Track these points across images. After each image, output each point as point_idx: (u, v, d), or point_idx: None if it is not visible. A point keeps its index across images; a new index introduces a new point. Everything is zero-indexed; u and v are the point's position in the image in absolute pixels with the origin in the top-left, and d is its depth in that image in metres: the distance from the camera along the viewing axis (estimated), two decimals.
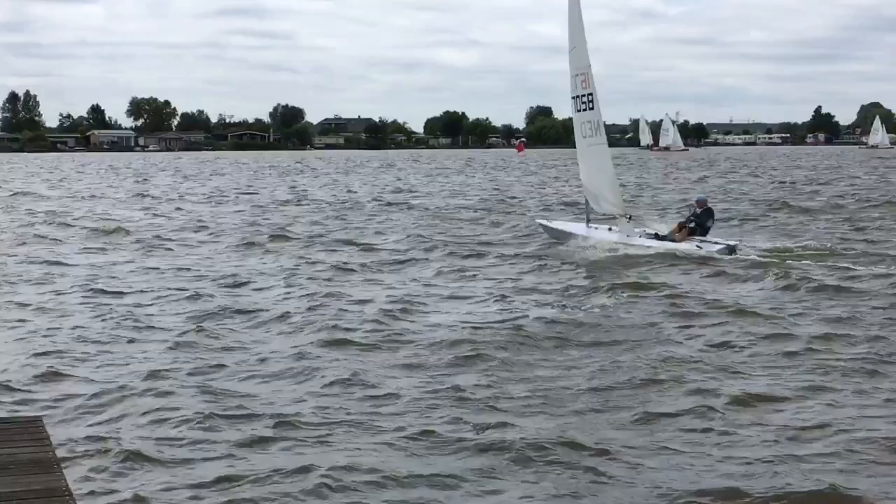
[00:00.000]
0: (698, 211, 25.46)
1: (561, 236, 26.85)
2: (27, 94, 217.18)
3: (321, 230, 32.16)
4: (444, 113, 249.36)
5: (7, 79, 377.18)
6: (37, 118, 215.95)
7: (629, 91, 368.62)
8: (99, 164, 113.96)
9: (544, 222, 29.36)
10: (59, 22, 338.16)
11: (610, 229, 25.66)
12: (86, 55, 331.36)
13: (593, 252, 24.29)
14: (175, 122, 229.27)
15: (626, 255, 23.46)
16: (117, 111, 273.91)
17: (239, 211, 41.08)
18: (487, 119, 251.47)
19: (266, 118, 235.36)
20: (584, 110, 26.04)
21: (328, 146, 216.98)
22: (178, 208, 42.89)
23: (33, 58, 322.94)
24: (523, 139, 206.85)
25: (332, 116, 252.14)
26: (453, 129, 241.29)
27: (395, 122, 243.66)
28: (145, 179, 74.78)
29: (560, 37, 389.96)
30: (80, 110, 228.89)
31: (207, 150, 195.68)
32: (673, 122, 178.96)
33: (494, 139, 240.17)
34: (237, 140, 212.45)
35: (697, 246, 23.69)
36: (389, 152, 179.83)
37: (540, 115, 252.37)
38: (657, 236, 24.98)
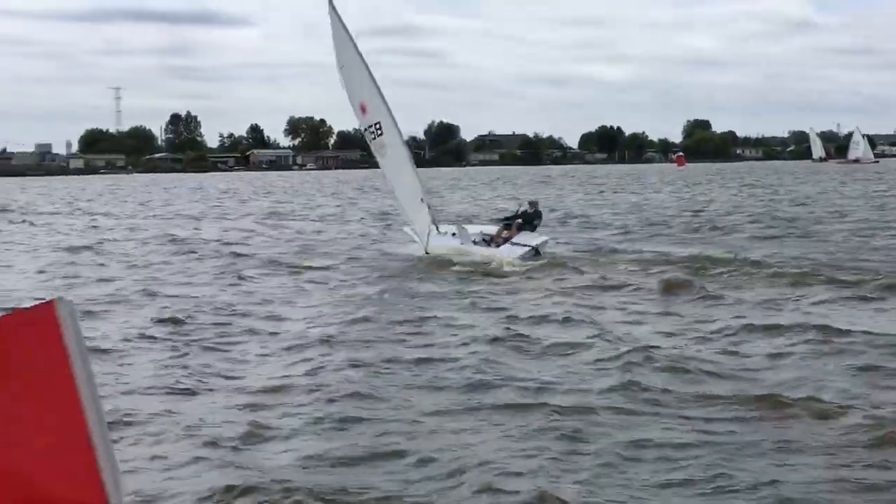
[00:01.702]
0: (529, 211, 27.20)
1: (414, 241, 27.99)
2: (188, 114, 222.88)
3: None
4: (599, 127, 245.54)
5: (170, 101, 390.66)
6: (198, 138, 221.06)
7: (785, 103, 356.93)
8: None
9: (408, 230, 29.87)
10: (217, 45, 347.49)
11: (453, 234, 26.90)
12: (244, 76, 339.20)
13: (433, 255, 25.59)
14: (332, 140, 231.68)
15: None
16: (275, 130, 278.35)
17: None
18: (644, 133, 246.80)
19: (421, 135, 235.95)
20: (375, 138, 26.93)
21: (482, 163, 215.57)
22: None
23: (193, 80, 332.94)
24: (681, 153, 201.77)
25: (486, 133, 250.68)
26: (608, 144, 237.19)
27: (549, 137, 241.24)
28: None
29: (709, 49, 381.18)
30: (239, 130, 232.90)
31: (363, 167, 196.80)
32: (863, 135, 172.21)
33: (651, 153, 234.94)
34: None
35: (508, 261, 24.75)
36: (546, 167, 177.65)
37: (697, 128, 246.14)
38: (485, 241, 26.36)
